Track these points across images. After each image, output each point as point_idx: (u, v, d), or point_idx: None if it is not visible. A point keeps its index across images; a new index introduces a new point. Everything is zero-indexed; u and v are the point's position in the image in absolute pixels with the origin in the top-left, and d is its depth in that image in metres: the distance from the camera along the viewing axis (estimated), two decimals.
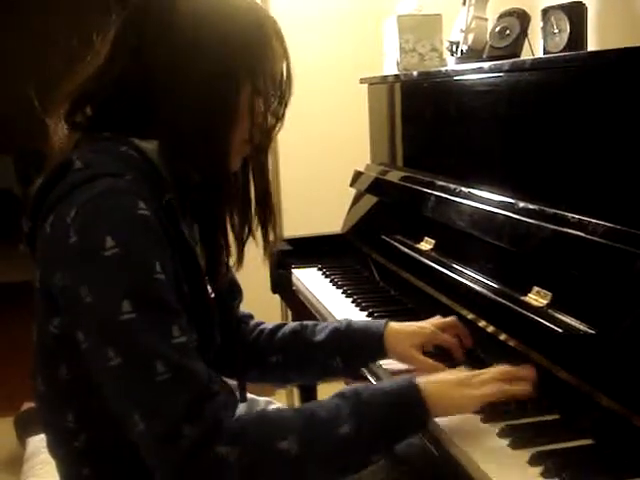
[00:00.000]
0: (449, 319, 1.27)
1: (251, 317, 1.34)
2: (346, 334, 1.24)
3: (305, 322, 1.30)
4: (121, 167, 0.96)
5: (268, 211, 1.11)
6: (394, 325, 1.25)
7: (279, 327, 1.30)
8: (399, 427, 0.99)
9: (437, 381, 1.03)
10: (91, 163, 0.97)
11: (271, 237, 1.13)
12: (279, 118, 1.08)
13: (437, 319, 1.28)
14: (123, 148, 1.00)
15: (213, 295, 1.12)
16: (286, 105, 1.08)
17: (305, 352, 1.25)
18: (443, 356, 1.24)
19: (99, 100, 1.04)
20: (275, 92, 1.06)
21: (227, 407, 0.93)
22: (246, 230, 1.11)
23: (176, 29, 0.99)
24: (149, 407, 0.88)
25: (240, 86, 1.01)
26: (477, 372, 1.06)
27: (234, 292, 1.24)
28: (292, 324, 1.30)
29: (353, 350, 1.23)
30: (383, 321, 1.26)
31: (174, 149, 1.01)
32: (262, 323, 1.33)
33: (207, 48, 0.99)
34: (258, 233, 1.13)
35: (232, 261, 1.15)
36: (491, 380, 1.03)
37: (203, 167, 1.03)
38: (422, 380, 1.02)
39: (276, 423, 0.94)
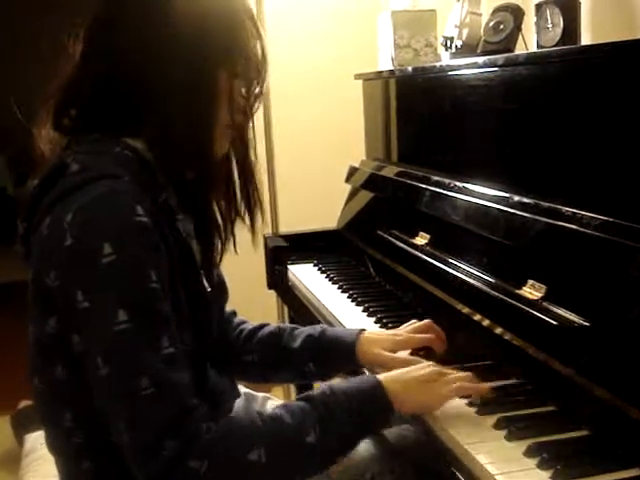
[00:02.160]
0: (423, 322, 1.27)
1: (234, 314, 1.35)
2: (319, 341, 1.24)
3: (284, 326, 1.31)
4: (119, 168, 0.96)
5: (253, 194, 1.12)
6: (368, 334, 1.24)
7: (259, 328, 1.30)
8: (364, 427, 1.03)
9: (402, 379, 1.06)
10: (88, 165, 0.97)
11: (258, 222, 1.13)
12: (257, 97, 1.08)
13: (411, 325, 1.27)
14: (117, 149, 0.99)
15: (210, 289, 1.13)
16: (262, 85, 1.07)
17: (280, 356, 1.27)
18: (426, 357, 1.23)
19: (81, 101, 1.03)
20: (251, 72, 1.05)
21: (206, 419, 0.93)
22: (233, 213, 1.11)
23: (148, 20, 0.99)
24: (132, 419, 0.90)
25: (218, 70, 1.01)
26: (442, 370, 1.09)
27: (222, 289, 1.24)
28: (271, 327, 1.31)
29: (324, 357, 1.24)
30: (357, 330, 1.25)
31: (160, 143, 1.01)
32: (243, 322, 1.34)
33: (181, 36, 0.98)
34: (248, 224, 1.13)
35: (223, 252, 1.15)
36: (455, 380, 1.07)
37: (190, 157, 1.02)
38: (387, 378, 1.04)
39: (245, 434, 0.95)
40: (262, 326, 1.31)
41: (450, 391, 1.06)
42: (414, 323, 1.28)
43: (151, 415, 0.89)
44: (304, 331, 1.27)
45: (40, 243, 0.96)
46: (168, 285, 0.95)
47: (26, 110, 1.10)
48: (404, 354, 1.23)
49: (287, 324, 1.33)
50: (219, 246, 1.12)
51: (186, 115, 0.99)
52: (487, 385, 1.08)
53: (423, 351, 1.25)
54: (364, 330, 1.25)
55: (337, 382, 1.05)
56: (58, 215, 0.93)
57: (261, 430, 0.95)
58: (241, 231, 1.14)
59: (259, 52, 1.06)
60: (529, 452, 0.93)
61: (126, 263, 0.90)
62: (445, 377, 1.07)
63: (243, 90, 1.05)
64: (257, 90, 1.07)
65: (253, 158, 1.13)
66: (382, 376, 1.05)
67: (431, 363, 1.12)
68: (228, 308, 1.31)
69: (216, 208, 1.11)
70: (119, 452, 0.93)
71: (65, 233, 0.91)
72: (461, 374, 1.09)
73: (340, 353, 1.22)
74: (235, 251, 1.15)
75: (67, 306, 0.92)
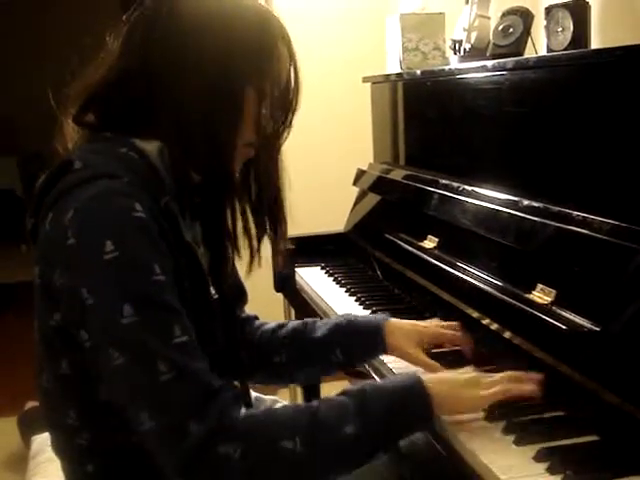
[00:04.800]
0: (451, 323, 1.27)
1: (256, 318, 1.34)
2: (347, 328, 1.24)
3: (307, 319, 1.30)
4: (119, 168, 0.96)
5: (278, 214, 1.11)
6: (394, 321, 1.25)
7: (280, 326, 1.30)
8: (403, 425, 0.99)
9: (443, 380, 1.04)
10: (90, 163, 0.97)
11: (281, 240, 1.13)
12: (286, 125, 1.07)
13: (437, 321, 1.28)
14: (123, 149, 1.00)
15: (217, 296, 1.12)
16: (294, 112, 1.07)
17: (306, 348, 1.26)
18: (452, 354, 1.24)
19: (105, 100, 1.04)
20: (281, 96, 1.05)
21: (234, 403, 0.92)
22: (260, 230, 1.10)
23: (180, 30, 0.99)
24: (155, 406, 0.88)
25: (244, 88, 1.00)
26: (485, 374, 1.06)
27: (238, 294, 1.24)
28: (294, 322, 1.30)
29: (353, 343, 1.23)
30: (383, 316, 1.26)
31: (177, 151, 1.01)
32: (265, 324, 1.33)
33: (211, 49, 0.98)
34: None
35: (241, 261, 1.14)
36: (499, 381, 1.04)
37: (206, 168, 1.02)
38: (428, 378, 1.02)
39: (281, 422, 0.93)
40: (283, 324, 1.30)
41: (495, 392, 1.03)
42: (439, 320, 1.28)
43: (173, 399, 0.88)
44: (330, 320, 1.27)
45: (44, 239, 0.97)
46: (173, 282, 0.95)
47: (47, 109, 1.11)
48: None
49: (309, 318, 1.31)
50: (231, 255, 1.12)
51: (208, 123, 0.99)
52: (533, 385, 1.04)
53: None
54: (390, 317, 1.25)
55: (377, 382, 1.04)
56: (59, 212, 0.94)
57: (297, 419, 0.94)
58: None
59: (292, 77, 1.05)
60: (538, 457, 0.93)
61: (128, 258, 0.90)
62: (488, 379, 1.05)
63: (268, 113, 1.03)
64: (284, 117, 1.06)
65: (279, 181, 1.12)
66: (425, 376, 1.03)
67: (470, 368, 1.10)
68: (249, 312, 1.31)
69: (230, 219, 1.10)
70: (123, 454, 0.93)
71: (66, 231, 0.91)
72: (506, 373, 1.06)
73: (369, 338, 1.22)
74: (259, 265, 1.14)
75: (73, 303, 0.92)
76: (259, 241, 1.11)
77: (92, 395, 0.95)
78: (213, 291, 1.11)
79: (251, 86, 1.01)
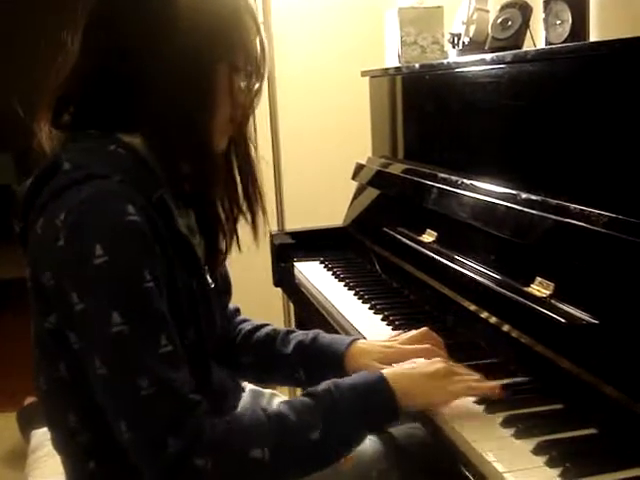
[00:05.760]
0: (419, 331, 1.22)
1: (238, 312, 1.34)
2: (309, 349, 1.22)
3: (279, 329, 1.29)
4: (110, 167, 0.95)
5: (254, 191, 1.11)
6: (360, 344, 1.21)
7: (256, 329, 1.29)
8: (370, 424, 1.02)
9: (408, 373, 1.06)
10: (80, 164, 0.96)
11: (260, 220, 1.12)
12: (257, 93, 1.07)
13: (409, 335, 1.22)
14: (111, 147, 0.99)
15: (213, 285, 1.12)
16: (262, 80, 1.07)
17: (272, 361, 1.26)
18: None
19: (79, 98, 1.03)
20: (253, 67, 1.05)
21: (209, 415, 0.93)
22: (235, 210, 1.11)
23: (146, 14, 0.98)
24: (134, 419, 0.90)
25: (217, 65, 1.00)
26: (452, 367, 1.08)
27: (227, 286, 1.24)
28: (267, 329, 1.29)
29: (314, 365, 1.21)
30: (349, 339, 1.22)
31: (158, 138, 1.00)
32: (244, 321, 1.33)
33: (179, 30, 0.97)
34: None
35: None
36: (465, 379, 1.06)
37: (188, 152, 1.01)
38: (392, 373, 1.04)
39: (249, 431, 0.94)
40: (260, 327, 1.30)
41: (460, 389, 1.05)
42: (413, 332, 1.22)
43: (153, 414, 0.89)
44: (296, 336, 1.25)
45: (35, 242, 0.96)
46: (165, 282, 0.95)
47: (29, 108, 1.10)
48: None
49: (282, 327, 1.31)
50: (224, 243, 1.12)
51: (183, 108, 0.99)
52: (497, 384, 1.07)
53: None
54: (357, 339, 1.22)
55: (342, 379, 1.04)
56: (51, 215, 0.93)
57: (265, 427, 0.95)
58: (247, 228, 1.14)
59: (258, 48, 1.05)
60: (537, 450, 0.93)
61: (118, 264, 0.89)
62: (454, 375, 1.06)
63: (243, 85, 1.04)
64: (257, 86, 1.06)
65: (254, 154, 1.12)
66: (387, 371, 1.05)
67: (439, 359, 1.10)
68: (232, 305, 1.31)
69: (219, 204, 1.10)
70: (124, 453, 0.93)
71: (58, 234, 0.91)
72: (471, 374, 1.08)
73: (329, 361, 1.19)
74: (239, 249, 1.14)
75: (63, 306, 0.92)
76: (235, 221, 1.12)
77: (90, 397, 0.95)
78: (210, 280, 1.11)
79: (223, 61, 1.01)
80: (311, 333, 1.25)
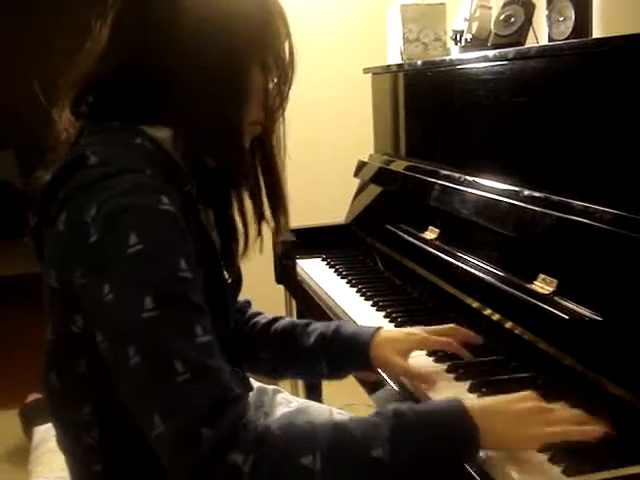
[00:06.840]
0: (447, 325, 1.21)
1: (248, 304, 1.33)
2: (332, 340, 1.20)
3: (297, 321, 1.27)
4: (140, 161, 0.94)
5: (278, 195, 1.11)
6: (384, 332, 1.19)
7: (272, 322, 1.28)
8: (443, 454, 0.89)
9: (495, 409, 0.93)
10: (108, 158, 0.94)
11: (281, 222, 1.11)
12: (284, 98, 1.07)
13: (433, 327, 1.21)
14: (138, 140, 0.97)
15: (230, 281, 1.12)
16: (290, 85, 1.07)
17: (293, 354, 1.24)
18: (450, 357, 1.20)
19: (104, 87, 1.02)
20: (283, 71, 1.05)
21: (248, 411, 0.87)
22: (258, 214, 1.10)
23: (180, 10, 0.97)
24: (169, 408, 0.84)
25: (250, 65, 1.00)
26: (543, 406, 0.94)
27: (239, 284, 1.24)
28: (284, 322, 1.28)
29: (337, 357, 1.20)
30: (373, 328, 1.19)
31: (190, 135, 1.00)
32: (257, 315, 1.31)
33: (213, 28, 0.97)
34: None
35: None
36: (559, 421, 0.92)
37: (219, 150, 1.01)
38: (476, 405, 0.93)
39: (303, 435, 0.87)
40: (275, 319, 1.29)
41: (552, 434, 0.91)
42: (437, 326, 1.21)
43: (189, 401, 0.83)
44: (317, 328, 1.23)
45: (59, 240, 0.94)
46: (201, 278, 0.93)
47: (46, 99, 1.09)
48: (422, 355, 1.21)
49: (301, 319, 1.29)
50: (240, 241, 1.12)
51: (211, 106, 0.98)
52: (599, 429, 0.90)
53: (442, 352, 1.21)
54: (381, 328, 1.20)
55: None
56: (77, 210, 0.90)
57: (321, 436, 0.86)
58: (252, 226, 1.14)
59: (288, 52, 1.05)
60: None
61: (153, 251, 0.87)
62: (548, 415, 0.93)
63: (272, 88, 1.04)
64: (285, 90, 1.06)
65: (277, 158, 1.12)
66: (472, 403, 0.93)
67: (531, 394, 0.96)
68: (242, 297, 1.29)
69: (240, 204, 1.10)
70: (131, 456, 0.91)
71: (88, 230, 0.88)
72: (568, 413, 0.95)
73: (354, 352, 1.18)
74: (260, 251, 1.13)
75: (92, 302, 0.89)
76: (259, 224, 1.11)
77: (108, 392, 0.91)
78: (227, 275, 1.11)
79: (256, 63, 1.01)
80: (332, 324, 1.24)
